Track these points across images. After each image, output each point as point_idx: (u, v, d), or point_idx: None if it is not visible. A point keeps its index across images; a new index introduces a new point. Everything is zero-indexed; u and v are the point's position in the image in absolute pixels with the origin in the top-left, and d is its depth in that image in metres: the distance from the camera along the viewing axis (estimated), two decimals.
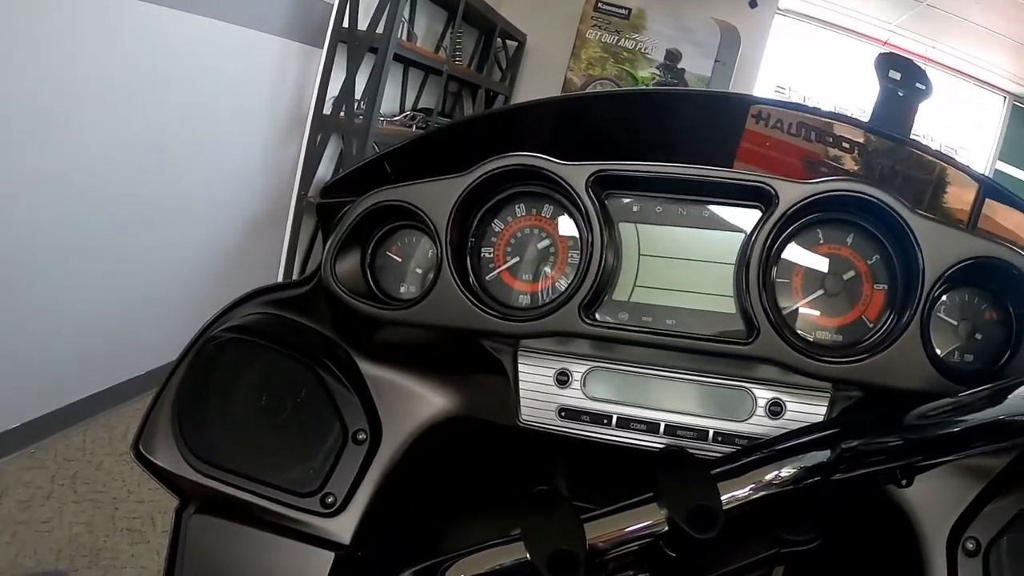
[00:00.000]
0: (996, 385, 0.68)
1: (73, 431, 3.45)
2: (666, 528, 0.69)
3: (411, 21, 5.45)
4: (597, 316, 0.91)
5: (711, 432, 0.90)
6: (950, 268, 0.84)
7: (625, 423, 0.91)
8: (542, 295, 0.95)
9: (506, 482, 1.04)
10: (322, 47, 4.48)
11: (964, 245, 0.84)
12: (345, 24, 4.43)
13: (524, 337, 0.92)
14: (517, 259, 0.97)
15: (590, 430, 0.92)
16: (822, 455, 0.70)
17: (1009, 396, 0.65)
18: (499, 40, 6.96)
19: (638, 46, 6.89)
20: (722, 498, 0.69)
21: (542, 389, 0.94)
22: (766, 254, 0.87)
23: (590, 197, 0.90)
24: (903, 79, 5.64)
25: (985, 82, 7.87)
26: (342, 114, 4.43)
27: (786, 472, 0.70)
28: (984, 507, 0.79)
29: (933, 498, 0.81)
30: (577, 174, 0.91)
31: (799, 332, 0.89)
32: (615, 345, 0.92)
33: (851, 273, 0.90)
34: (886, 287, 0.89)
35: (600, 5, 6.93)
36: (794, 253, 0.91)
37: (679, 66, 6.86)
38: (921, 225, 0.84)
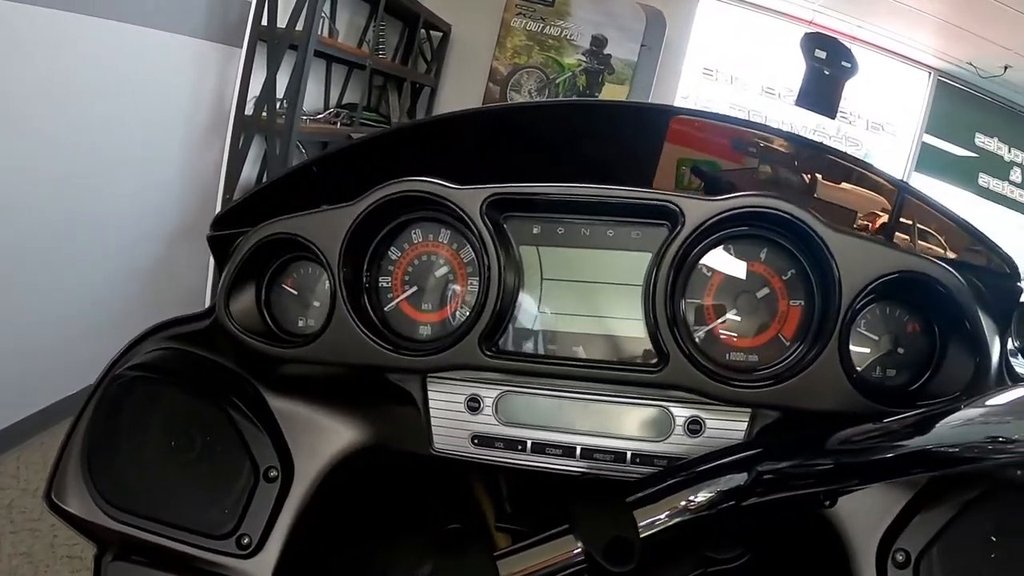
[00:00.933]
0: (923, 412, 0.67)
1: (6, 458, 3.38)
2: (583, 561, 0.68)
3: (332, 16, 5.41)
4: (501, 345, 0.91)
5: (629, 454, 0.89)
6: (869, 283, 0.83)
7: (540, 448, 0.90)
8: (445, 325, 0.94)
9: (426, 512, 1.03)
10: (241, 47, 4.42)
11: (883, 259, 0.84)
12: (264, 22, 4.37)
13: (422, 372, 0.91)
14: (415, 288, 0.95)
15: (504, 457, 0.91)
16: (739, 479, 0.70)
17: (937, 424, 0.64)
18: (423, 31, 6.95)
19: (563, 33, 6.92)
20: (639, 525, 0.68)
21: (454, 416, 0.92)
22: (673, 275, 0.86)
23: (485, 222, 0.89)
24: (829, 58, 5.87)
25: (910, 59, 8.00)
26: (264, 114, 4.38)
27: (702, 497, 0.70)
28: (912, 518, 0.80)
29: (860, 511, 0.81)
30: (471, 198, 0.89)
31: (711, 355, 0.88)
32: (560, 371, 0.90)
33: (765, 290, 0.89)
34: (803, 303, 0.89)
35: None
36: (704, 272, 0.90)
37: (605, 52, 6.90)
38: (836, 239, 0.84)
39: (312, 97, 5.34)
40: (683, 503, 0.70)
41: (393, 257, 0.96)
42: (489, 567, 0.68)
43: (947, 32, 7.00)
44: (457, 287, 0.94)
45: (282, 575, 0.85)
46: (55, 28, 3.09)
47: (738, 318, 0.89)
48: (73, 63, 3.24)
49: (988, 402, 0.63)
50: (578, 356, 0.90)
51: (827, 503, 0.81)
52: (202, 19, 4.06)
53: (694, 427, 0.88)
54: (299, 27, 4.36)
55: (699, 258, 0.89)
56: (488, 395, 0.91)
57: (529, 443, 0.90)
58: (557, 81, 6.98)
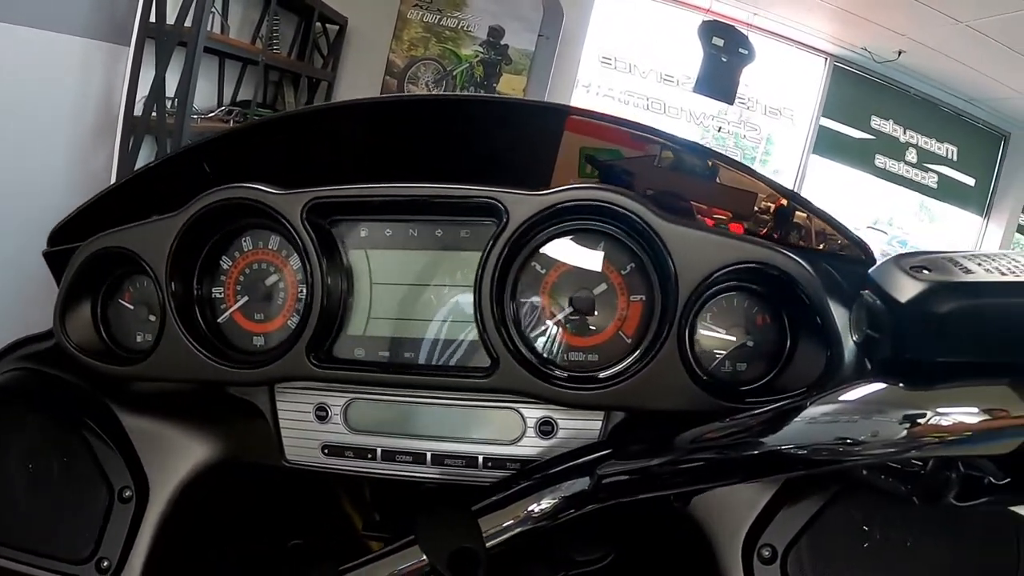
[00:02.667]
0: (768, 411, 0.66)
1: None
2: (429, 573, 0.70)
3: (224, 11, 5.35)
4: (334, 353, 0.90)
5: (481, 458, 0.88)
6: (707, 276, 0.82)
7: (390, 456, 0.90)
8: (277, 335, 0.92)
9: (292, 525, 1.00)
10: (129, 45, 4.30)
11: (721, 250, 0.82)
12: (152, 19, 4.27)
13: (254, 385, 0.90)
14: (247, 299, 0.93)
15: (355, 466, 0.91)
16: (582, 483, 0.70)
17: (782, 424, 0.64)
18: (319, 25, 6.90)
19: (460, 24, 6.96)
20: (485, 533, 0.69)
21: (303, 426, 0.92)
22: (500, 274, 0.84)
23: (306, 227, 0.87)
24: (726, 45, 6.12)
25: (807, 45, 8.26)
26: (154, 114, 4.30)
27: (546, 504, 0.70)
28: (777, 513, 0.80)
29: (724, 507, 0.81)
30: (291, 203, 0.87)
31: (547, 356, 0.87)
32: (390, 379, 0.89)
33: (603, 286, 0.87)
34: (644, 298, 0.87)
35: None
36: (539, 270, 0.88)
37: (502, 42, 6.97)
38: (671, 231, 0.82)
39: (205, 95, 5.27)
40: (529, 509, 0.70)
41: (225, 267, 0.94)
42: None
43: (842, 18, 7.23)
44: (287, 296, 0.93)
45: None
46: None
47: (575, 317, 0.87)
48: None
49: (835, 400, 0.63)
50: (410, 362, 0.89)
51: (676, 504, 0.81)
52: (86, 17, 3.96)
53: (546, 428, 0.87)
54: (188, 23, 4.30)
55: (532, 255, 0.88)
56: (336, 403, 0.91)
57: (379, 451, 0.90)
58: (454, 73, 7.02)
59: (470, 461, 0.88)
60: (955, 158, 8.93)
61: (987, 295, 0.59)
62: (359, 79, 7.21)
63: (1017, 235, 9.15)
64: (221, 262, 0.94)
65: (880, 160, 8.68)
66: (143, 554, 0.85)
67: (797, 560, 0.79)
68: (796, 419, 0.63)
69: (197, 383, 0.91)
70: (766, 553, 0.79)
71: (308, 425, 0.92)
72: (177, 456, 0.90)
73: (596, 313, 0.87)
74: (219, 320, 0.93)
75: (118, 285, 0.96)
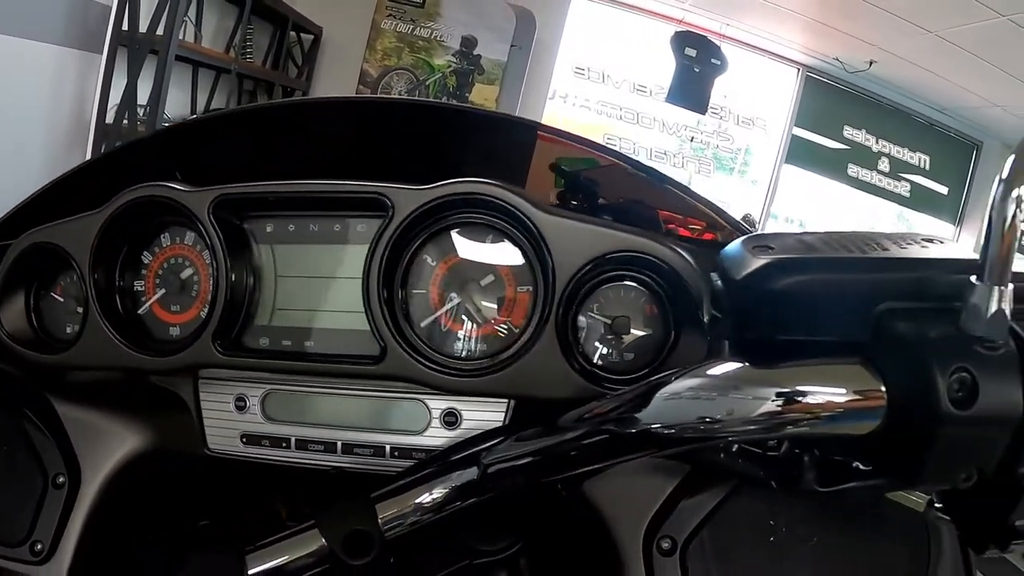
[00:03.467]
0: (637, 387, 0.66)
1: None
2: (328, 554, 0.72)
3: (198, 19, 5.38)
4: (243, 343, 0.94)
5: (388, 448, 0.91)
6: (584, 265, 0.85)
7: (304, 444, 0.93)
8: (191, 325, 0.96)
9: (207, 512, 1.04)
10: (101, 52, 4.29)
11: (597, 240, 0.85)
12: (125, 27, 4.28)
13: (166, 372, 0.94)
14: (164, 291, 0.97)
15: (272, 454, 0.94)
16: (470, 473, 0.72)
17: (654, 399, 0.63)
18: (294, 34, 6.96)
19: (433, 34, 7.08)
20: (383, 519, 0.71)
21: (224, 416, 0.95)
22: (387, 266, 0.88)
23: (213, 223, 0.91)
24: (698, 56, 6.24)
25: (779, 55, 8.41)
26: (125, 122, 4.29)
27: (438, 493, 0.72)
28: (676, 505, 0.81)
29: (626, 499, 0.82)
30: (199, 200, 0.91)
31: (435, 345, 0.89)
32: (289, 366, 0.93)
33: (491, 278, 0.91)
34: (530, 289, 0.89)
35: None
36: (429, 262, 0.92)
37: (475, 52, 7.09)
38: (549, 222, 0.85)
39: (178, 103, 5.27)
40: (422, 498, 0.72)
41: (146, 261, 0.98)
42: (237, 562, 0.71)
43: (814, 29, 7.36)
44: (199, 288, 0.96)
45: None
46: None
47: (455, 307, 0.91)
48: None
49: (691, 377, 0.62)
50: (309, 351, 0.93)
51: (565, 493, 0.83)
52: (59, 24, 3.96)
53: (450, 419, 0.90)
54: (160, 31, 4.32)
55: (421, 248, 0.91)
56: (254, 394, 0.94)
57: (293, 440, 0.93)
58: (427, 82, 7.14)
59: (378, 451, 0.91)
60: (928, 167, 9.07)
61: (816, 271, 0.61)
62: (333, 88, 7.29)
63: None
64: (143, 256, 0.98)
65: (853, 169, 8.83)
66: (75, 537, 0.88)
67: (697, 552, 0.80)
68: (657, 397, 0.63)
69: (118, 370, 0.94)
70: (665, 545, 0.80)
71: (228, 415, 0.95)
72: (108, 444, 0.92)
73: (483, 303, 0.91)
74: (140, 311, 0.97)
75: (53, 279, 1.01)
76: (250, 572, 0.70)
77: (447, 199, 0.87)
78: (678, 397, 0.62)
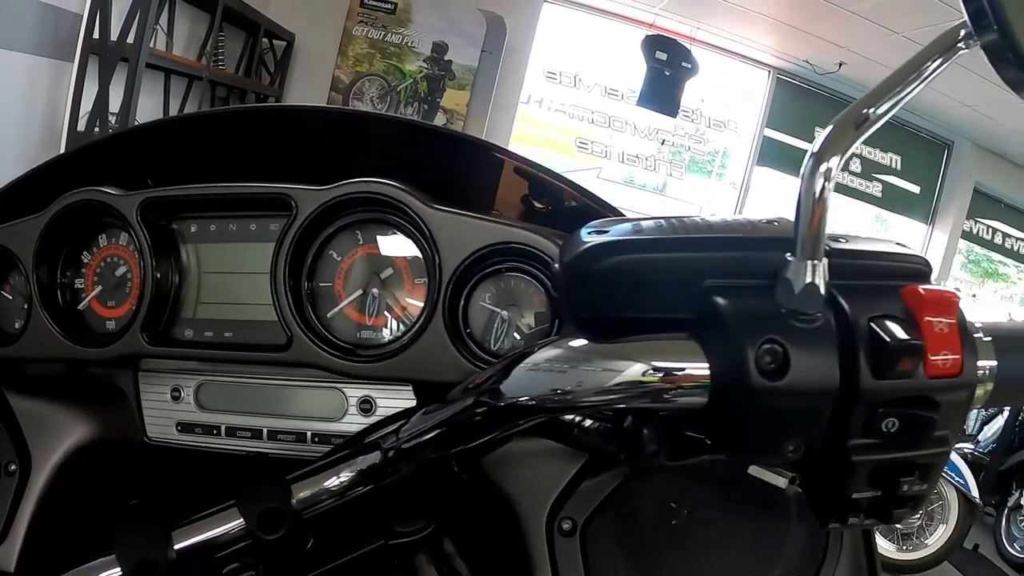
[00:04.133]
0: (501, 360, 0.67)
1: None
2: (245, 531, 0.74)
3: (170, 27, 5.44)
4: (172, 335, 0.99)
5: (309, 434, 0.96)
6: (466, 257, 0.89)
7: (232, 432, 0.98)
8: (124, 319, 1.00)
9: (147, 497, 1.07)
10: (73, 61, 4.33)
11: (478, 233, 0.89)
12: (96, 35, 4.31)
13: (103, 363, 0.99)
14: (101, 288, 1.02)
15: (204, 441, 0.99)
16: (373, 458, 0.74)
17: (513, 372, 0.64)
18: (266, 41, 7.02)
19: (405, 40, 7.19)
20: (297, 499, 0.73)
21: (161, 406, 1.01)
22: (292, 261, 0.93)
23: (140, 224, 0.96)
24: (669, 59, 6.31)
25: (750, 58, 8.55)
26: (97, 129, 4.30)
27: (345, 476, 0.74)
28: (578, 487, 0.85)
29: (531, 482, 0.86)
30: (128, 203, 0.96)
31: (340, 335, 0.95)
32: (210, 354, 0.98)
33: (390, 271, 0.96)
34: (425, 280, 0.94)
35: (366, 1, 7.17)
36: (335, 257, 0.97)
37: (446, 58, 7.21)
38: (435, 217, 0.90)
39: (150, 111, 5.27)
40: (332, 480, 0.75)
41: (85, 260, 1.03)
42: (162, 538, 0.73)
43: (783, 32, 7.49)
44: (132, 285, 1.02)
45: (28, 562, 0.90)
46: None
47: (365, 299, 0.96)
48: None
49: (546, 350, 0.64)
50: (228, 341, 0.98)
51: (464, 476, 0.87)
52: (31, 33, 3.99)
53: (365, 406, 0.95)
54: (131, 39, 4.37)
55: (327, 244, 0.97)
56: (188, 385, 1.00)
57: (223, 428, 0.98)
58: (399, 88, 7.25)
59: (300, 437, 0.96)
60: (899, 167, 9.21)
61: (639, 251, 0.62)
62: (306, 95, 7.35)
63: (962, 241, 9.47)
64: (83, 256, 1.04)
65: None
66: (25, 521, 0.91)
67: (596, 533, 0.84)
68: (516, 371, 0.64)
69: (60, 362, 1.00)
70: (566, 526, 0.84)
71: (165, 405, 1.01)
72: (58, 434, 0.96)
73: (384, 295, 0.96)
74: (80, 307, 1.03)
75: (4, 278, 1.05)
76: (175, 547, 0.72)
77: (345, 198, 0.93)
78: (536, 369, 0.63)
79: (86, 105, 4.41)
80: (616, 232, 0.64)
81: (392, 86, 7.25)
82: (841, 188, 9.01)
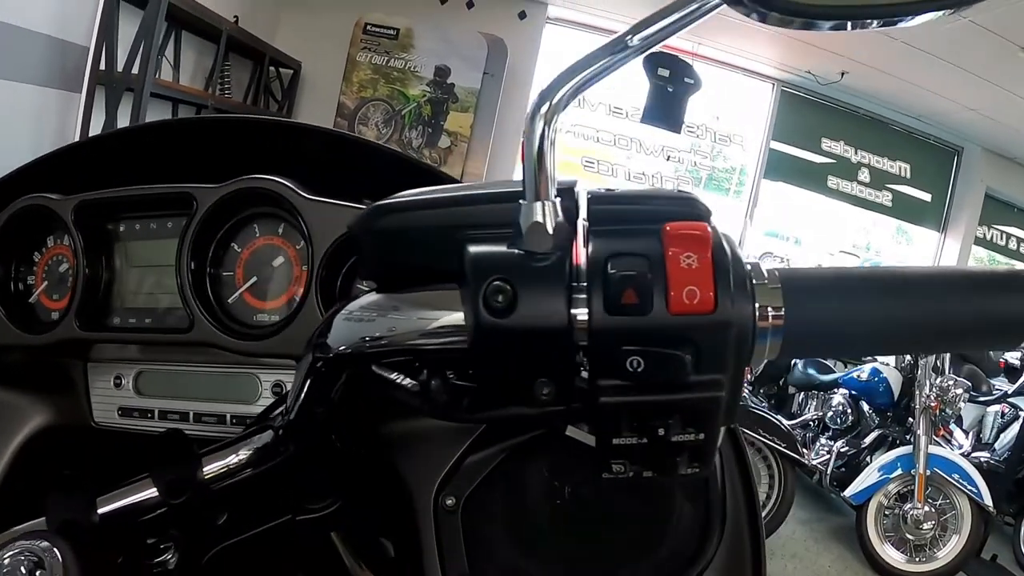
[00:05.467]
0: (328, 313, 0.71)
1: None
2: (159, 500, 0.77)
3: (176, 58, 5.60)
4: (103, 323, 1.05)
5: (228, 416, 1.03)
6: (336, 240, 0.95)
7: (164, 415, 1.06)
8: (65, 310, 1.06)
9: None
10: (80, 91, 4.45)
11: (346, 218, 0.89)
12: (103, 66, 4.45)
13: (45, 349, 1.05)
14: (47, 282, 1.11)
15: (141, 424, 1.07)
16: (266, 437, 0.78)
17: (334, 322, 0.68)
18: (273, 69, 7.18)
19: (408, 65, 7.31)
20: (208, 474, 0.77)
21: (105, 393, 1.09)
22: (194, 253, 0.99)
23: (74, 224, 1.03)
24: (671, 76, 6.33)
25: (754, 72, 8.63)
26: None
27: (244, 453, 0.78)
28: (461, 466, 0.88)
29: (422, 459, 0.89)
30: (64, 206, 1.04)
31: (238, 318, 1.02)
32: (157, 348, 1.07)
33: (281, 259, 1.02)
34: (307, 267, 1.00)
35: (369, 27, 7.30)
36: (236, 248, 1.04)
37: (448, 81, 7.31)
38: (307, 206, 0.96)
39: None
40: (232, 458, 0.77)
41: (36, 259, 1.12)
42: (89, 503, 0.76)
43: (784, 43, 7.56)
44: (71, 279, 1.08)
45: None
46: None
47: (260, 285, 1.02)
48: None
49: (358, 301, 0.67)
50: (147, 326, 1.05)
51: (340, 445, 0.87)
52: (39, 65, 4.09)
53: (277, 389, 1.02)
54: (136, 70, 4.50)
55: (228, 236, 1.04)
56: (128, 373, 1.08)
57: (156, 411, 1.06)
58: (403, 112, 7.35)
59: (220, 419, 1.03)
60: (909, 175, 9.19)
61: (403, 211, 0.67)
62: (311, 121, 6.96)
63: (975, 247, 9.43)
64: (34, 256, 1.12)
65: (833, 181, 8.97)
66: None
67: (476, 510, 0.86)
68: (336, 320, 0.68)
69: (13, 348, 1.06)
70: (449, 503, 0.86)
71: (109, 392, 1.09)
72: (16, 420, 1.05)
73: (277, 281, 1.03)
74: (30, 300, 1.11)
75: None
76: (99, 511, 0.76)
77: (235, 193, 0.99)
78: (349, 319, 0.67)
79: (94, 134, 4.28)
80: (395, 197, 0.68)
81: (396, 110, 7.34)
82: (851, 199, 9.07)
